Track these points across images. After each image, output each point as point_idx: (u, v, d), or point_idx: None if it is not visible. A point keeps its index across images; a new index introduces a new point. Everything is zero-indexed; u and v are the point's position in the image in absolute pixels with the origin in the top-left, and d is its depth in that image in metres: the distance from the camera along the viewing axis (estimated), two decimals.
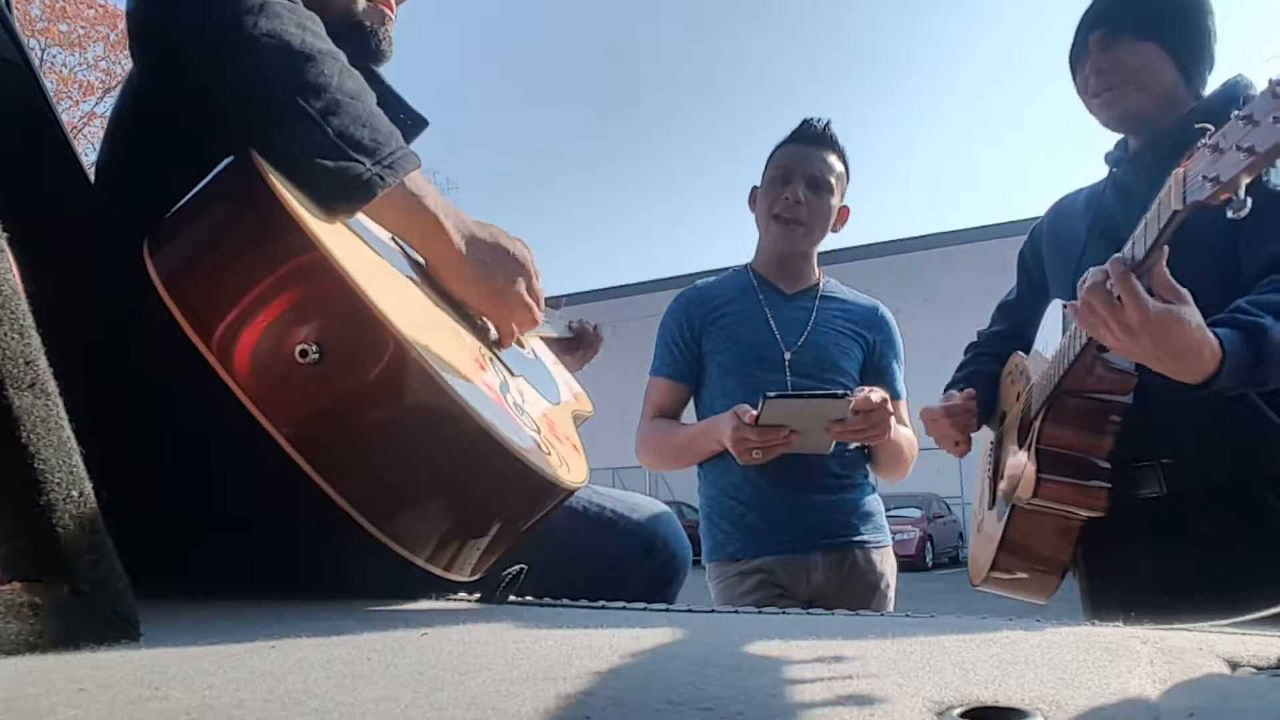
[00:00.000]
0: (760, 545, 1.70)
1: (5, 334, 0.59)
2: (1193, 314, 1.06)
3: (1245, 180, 0.95)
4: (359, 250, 0.79)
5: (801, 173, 1.77)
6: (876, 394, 1.56)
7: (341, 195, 0.78)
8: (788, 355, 1.74)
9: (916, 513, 15.82)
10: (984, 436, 1.62)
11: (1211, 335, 1.07)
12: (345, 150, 0.78)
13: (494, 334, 0.96)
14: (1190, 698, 0.49)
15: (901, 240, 21.42)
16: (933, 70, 62.16)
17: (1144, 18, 1.35)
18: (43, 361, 0.61)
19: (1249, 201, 0.95)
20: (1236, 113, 0.99)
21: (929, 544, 15.44)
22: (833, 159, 1.81)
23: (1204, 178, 0.99)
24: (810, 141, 1.80)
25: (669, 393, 1.84)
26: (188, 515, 0.85)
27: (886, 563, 1.76)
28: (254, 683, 0.48)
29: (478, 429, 0.74)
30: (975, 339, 1.71)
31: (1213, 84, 1.40)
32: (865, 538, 1.73)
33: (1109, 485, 1.24)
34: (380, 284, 0.75)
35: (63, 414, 0.61)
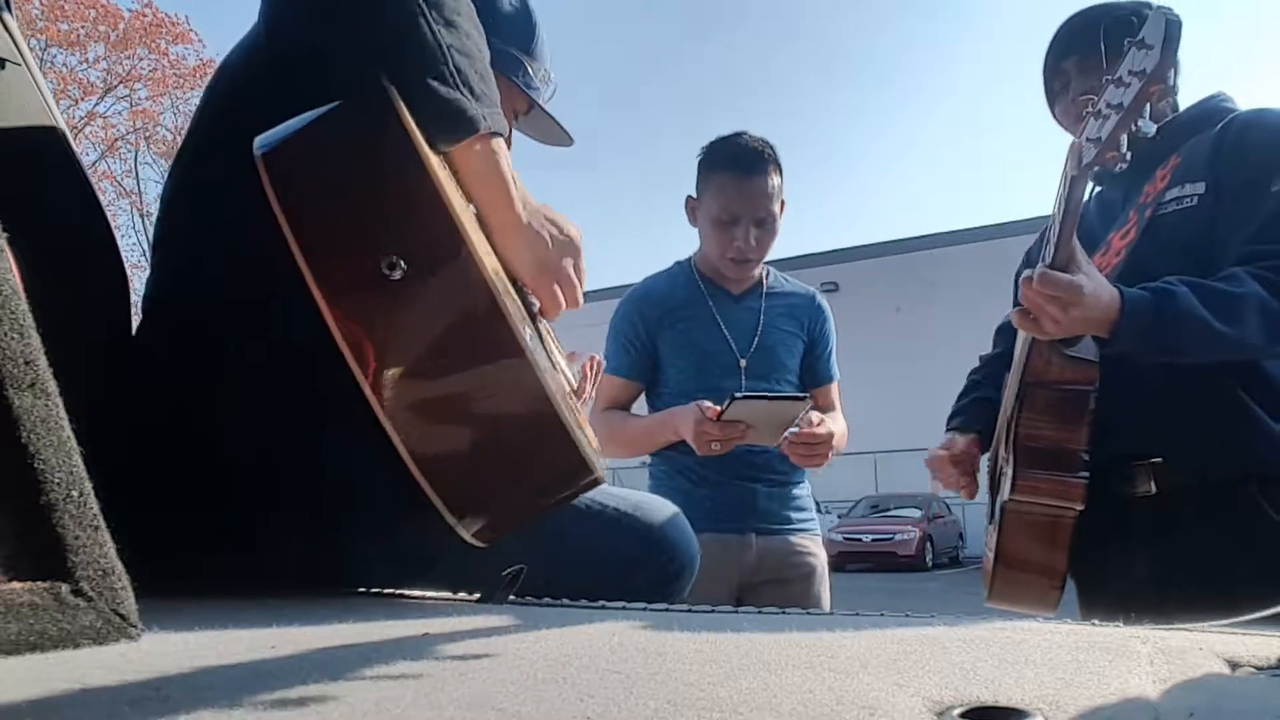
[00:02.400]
0: (701, 520, 1.81)
1: (5, 334, 0.59)
2: (1095, 272, 1.15)
3: (1121, 135, 1.02)
4: (456, 193, 0.81)
5: (749, 216, 1.79)
6: (823, 428, 1.70)
7: (447, 125, 0.80)
8: (743, 362, 1.85)
9: (916, 513, 15.74)
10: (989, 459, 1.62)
11: (1117, 289, 1.14)
12: (459, 84, 0.81)
13: (536, 305, 0.96)
14: (1190, 698, 0.49)
15: (901, 240, 21.42)
16: (933, 70, 62.15)
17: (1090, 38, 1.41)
18: (43, 361, 0.61)
19: (1129, 155, 1.03)
20: (1107, 76, 1.04)
21: (929, 544, 15.39)
22: (773, 179, 1.80)
23: (1088, 139, 1.06)
24: (749, 171, 1.79)
25: (622, 389, 1.94)
26: (189, 513, 0.85)
27: (817, 546, 1.94)
28: (254, 682, 0.48)
29: (541, 392, 0.74)
30: (978, 363, 1.71)
31: (1189, 96, 1.42)
32: (797, 526, 1.90)
33: (1087, 477, 1.24)
34: (471, 228, 0.76)
35: (63, 414, 0.61)
